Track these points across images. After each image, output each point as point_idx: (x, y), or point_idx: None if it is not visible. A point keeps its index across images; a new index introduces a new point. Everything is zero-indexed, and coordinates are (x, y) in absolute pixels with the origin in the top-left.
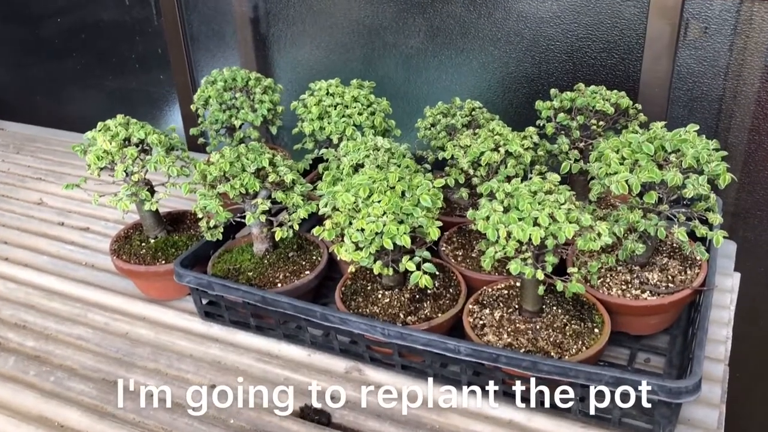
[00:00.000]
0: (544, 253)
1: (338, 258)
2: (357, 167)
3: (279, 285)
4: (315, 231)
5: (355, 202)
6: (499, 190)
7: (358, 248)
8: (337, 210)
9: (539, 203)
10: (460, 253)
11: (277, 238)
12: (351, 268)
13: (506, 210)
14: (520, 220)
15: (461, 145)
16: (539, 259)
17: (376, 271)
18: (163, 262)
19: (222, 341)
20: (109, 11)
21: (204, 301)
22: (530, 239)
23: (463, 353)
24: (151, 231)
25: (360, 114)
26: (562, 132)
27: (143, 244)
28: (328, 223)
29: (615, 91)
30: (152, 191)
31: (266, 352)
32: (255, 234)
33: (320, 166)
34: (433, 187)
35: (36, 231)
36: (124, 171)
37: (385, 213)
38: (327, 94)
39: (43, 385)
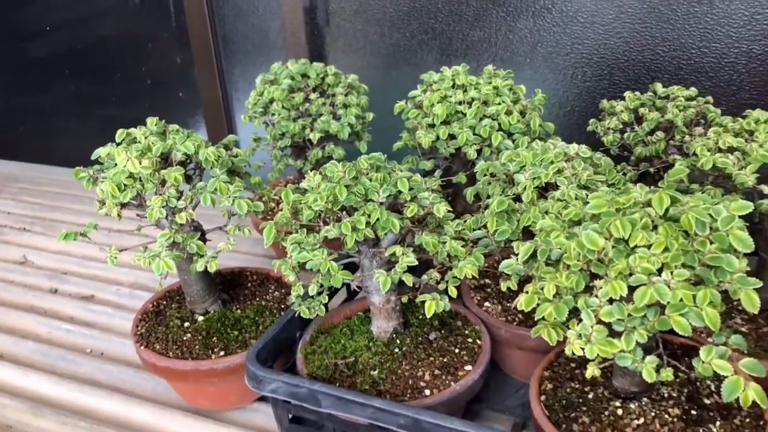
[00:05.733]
0: None
1: (571, 353)
2: (543, 189)
3: (427, 392)
4: (539, 312)
5: (603, 251)
6: None
7: (612, 335)
8: (552, 266)
9: None
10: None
11: (428, 314)
12: (591, 370)
13: None
14: None
15: (726, 148)
16: None
17: (648, 376)
18: (222, 353)
19: None
20: (113, 17)
21: (289, 416)
22: None
23: None
24: (198, 303)
25: (508, 113)
26: None
27: (186, 324)
28: (541, 287)
29: None
30: (204, 239)
31: None
32: (378, 306)
33: (468, 190)
34: (737, 216)
35: (17, 303)
36: (163, 207)
37: (663, 267)
38: (453, 86)
39: None
